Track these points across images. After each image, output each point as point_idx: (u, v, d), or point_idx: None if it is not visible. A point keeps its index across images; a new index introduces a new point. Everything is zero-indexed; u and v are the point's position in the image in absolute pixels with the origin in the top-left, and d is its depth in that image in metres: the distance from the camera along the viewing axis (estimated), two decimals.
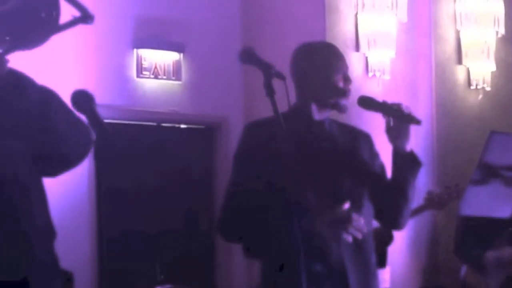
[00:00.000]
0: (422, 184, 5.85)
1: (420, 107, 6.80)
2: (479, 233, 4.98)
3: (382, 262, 5.44)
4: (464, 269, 5.23)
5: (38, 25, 2.42)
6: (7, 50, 2.45)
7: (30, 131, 2.50)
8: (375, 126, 3.41)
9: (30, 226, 2.52)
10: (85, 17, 2.50)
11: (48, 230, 2.61)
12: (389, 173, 3.21)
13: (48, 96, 2.58)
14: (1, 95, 2.49)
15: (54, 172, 2.68)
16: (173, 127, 6.77)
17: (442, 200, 5.45)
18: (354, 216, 2.97)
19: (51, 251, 2.61)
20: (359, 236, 2.97)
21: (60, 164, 2.65)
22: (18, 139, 2.51)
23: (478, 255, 5.05)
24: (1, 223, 2.46)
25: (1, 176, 2.49)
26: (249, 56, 2.89)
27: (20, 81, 2.52)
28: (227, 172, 3.24)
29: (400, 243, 6.55)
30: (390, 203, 3.16)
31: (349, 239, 2.97)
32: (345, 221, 2.95)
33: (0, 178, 2.49)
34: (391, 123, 3.12)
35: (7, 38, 2.43)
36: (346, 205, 2.99)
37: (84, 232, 5.89)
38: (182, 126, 6.81)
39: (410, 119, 3.07)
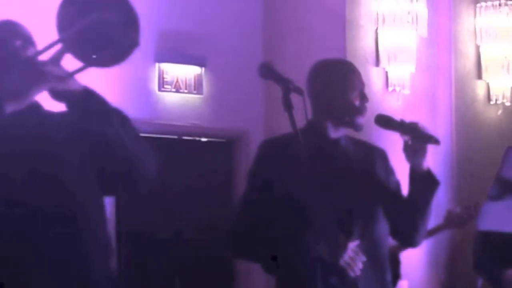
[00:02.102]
0: (441, 200, 5.85)
1: (440, 121, 6.80)
2: (499, 250, 4.97)
3: (396, 273, 5.44)
4: (480, 282, 5.22)
5: (117, 43, 2.45)
6: (84, 67, 2.47)
7: (99, 149, 2.52)
8: (393, 142, 3.41)
9: (89, 240, 2.53)
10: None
11: (106, 247, 2.63)
12: (405, 190, 3.19)
13: (119, 116, 2.59)
14: (75, 112, 2.52)
15: (116, 191, 2.72)
16: (194, 140, 6.81)
17: (462, 219, 5.45)
18: (360, 254, 2.98)
19: (108, 268, 2.63)
20: (357, 273, 2.99)
21: (124, 184, 2.65)
22: (87, 157, 2.53)
23: (497, 272, 5.03)
24: (60, 238, 2.48)
25: (67, 190, 2.51)
26: (267, 71, 2.88)
27: (94, 100, 2.54)
28: None
29: (419, 258, 6.55)
30: (406, 220, 3.14)
31: (351, 274, 2.98)
32: (351, 259, 2.97)
33: (66, 193, 2.51)
34: (409, 142, 3.09)
35: (94, 56, 2.45)
36: (355, 243, 3.00)
37: None
38: (203, 139, 6.85)
39: (428, 139, 3.05)
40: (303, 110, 2.83)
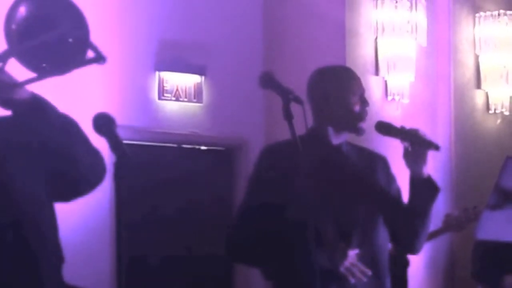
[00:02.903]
0: (440, 208, 5.86)
1: (439, 131, 6.82)
2: (497, 258, 4.98)
3: (403, 286, 5.45)
4: None
5: (67, 53, 2.41)
6: (39, 77, 2.44)
7: (48, 156, 2.49)
8: (393, 149, 3.42)
9: (39, 249, 2.50)
10: (99, 58, 2.49)
11: (56, 255, 2.60)
12: (406, 197, 3.21)
13: (68, 123, 2.56)
14: (23, 119, 2.47)
15: (67, 198, 2.67)
16: (194, 149, 6.82)
17: (460, 222, 5.47)
18: (359, 263, 2.99)
19: (58, 276, 2.60)
20: (363, 280, 3.00)
21: (74, 191, 2.64)
22: (35, 163, 2.50)
23: (495, 280, 5.05)
24: (10, 244, 2.45)
25: (15, 198, 2.48)
26: (268, 80, 2.89)
27: (42, 107, 2.50)
28: None
29: (418, 265, 6.56)
30: (406, 227, 3.16)
31: (351, 281, 2.99)
32: (351, 266, 2.98)
33: (14, 200, 2.48)
34: (409, 148, 3.11)
35: (44, 65, 2.42)
36: (355, 251, 3.01)
37: (106, 252, 5.93)
38: (203, 147, 6.86)
39: (428, 145, 3.06)
40: (303, 120, 2.83)
